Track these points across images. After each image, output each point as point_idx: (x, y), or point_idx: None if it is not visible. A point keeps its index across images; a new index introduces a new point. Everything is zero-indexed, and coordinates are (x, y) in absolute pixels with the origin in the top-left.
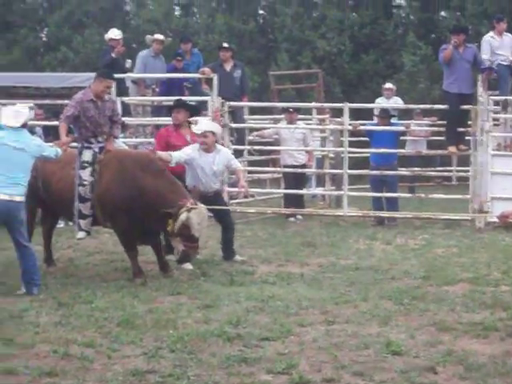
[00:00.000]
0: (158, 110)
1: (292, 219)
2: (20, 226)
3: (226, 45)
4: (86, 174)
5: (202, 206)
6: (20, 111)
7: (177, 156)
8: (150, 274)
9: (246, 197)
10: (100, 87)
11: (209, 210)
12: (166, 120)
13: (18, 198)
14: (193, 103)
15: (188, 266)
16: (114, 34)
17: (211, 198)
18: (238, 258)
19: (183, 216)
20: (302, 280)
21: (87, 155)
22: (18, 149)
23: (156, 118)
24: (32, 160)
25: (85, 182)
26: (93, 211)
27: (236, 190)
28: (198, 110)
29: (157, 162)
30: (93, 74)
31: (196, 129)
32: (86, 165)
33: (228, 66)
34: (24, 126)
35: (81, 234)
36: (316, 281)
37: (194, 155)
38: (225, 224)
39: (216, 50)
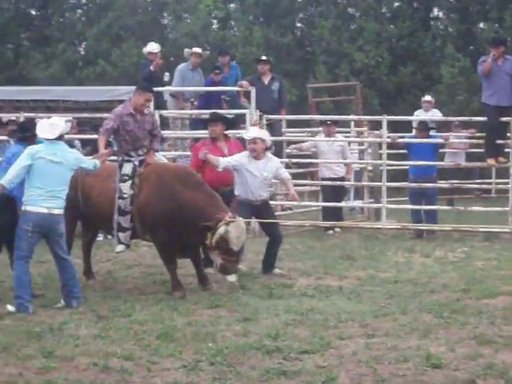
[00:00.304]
0: (196, 123)
1: (330, 232)
2: (59, 239)
3: (264, 57)
4: (125, 187)
5: (241, 219)
6: (55, 123)
7: (225, 161)
8: (189, 287)
9: (284, 210)
10: (140, 100)
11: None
12: (204, 133)
13: (56, 211)
14: (230, 116)
15: (232, 277)
16: (152, 47)
17: (260, 208)
18: (276, 271)
19: (221, 229)
20: (340, 293)
21: (127, 168)
22: (56, 162)
23: (194, 131)
24: (70, 173)
25: (125, 195)
26: (132, 224)
27: (274, 203)
28: (234, 122)
29: (195, 175)
30: (131, 88)
31: (246, 135)
32: (125, 178)
33: (266, 79)
34: (60, 138)
35: (120, 247)
36: (355, 294)
37: (244, 161)
38: (273, 236)
39: (254, 62)
